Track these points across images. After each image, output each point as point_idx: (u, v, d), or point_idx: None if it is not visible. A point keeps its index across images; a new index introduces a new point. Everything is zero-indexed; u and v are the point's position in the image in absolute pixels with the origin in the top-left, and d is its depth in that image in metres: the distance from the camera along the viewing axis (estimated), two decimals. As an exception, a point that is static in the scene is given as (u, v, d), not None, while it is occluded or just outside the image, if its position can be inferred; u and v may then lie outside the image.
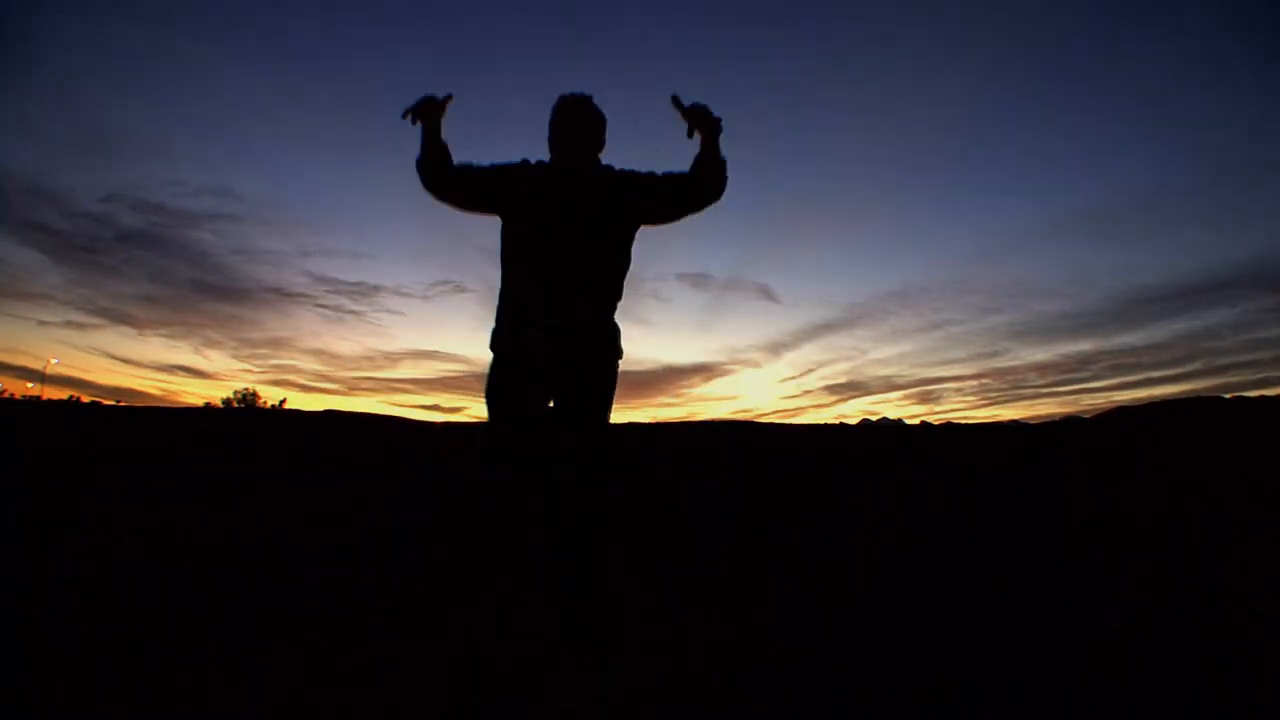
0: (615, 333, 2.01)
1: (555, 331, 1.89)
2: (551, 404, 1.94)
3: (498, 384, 1.95)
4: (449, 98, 1.99)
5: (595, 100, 2.02)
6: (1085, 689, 1.55)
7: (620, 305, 2.03)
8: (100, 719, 1.36)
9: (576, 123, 1.97)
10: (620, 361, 2.02)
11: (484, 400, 1.95)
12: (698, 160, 1.94)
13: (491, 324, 1.97)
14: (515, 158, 2.03)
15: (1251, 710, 1.47)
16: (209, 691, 1.47)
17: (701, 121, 1.92)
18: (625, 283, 2.04)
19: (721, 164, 1.94)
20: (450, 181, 1.99)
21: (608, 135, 2.06)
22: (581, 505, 1.95)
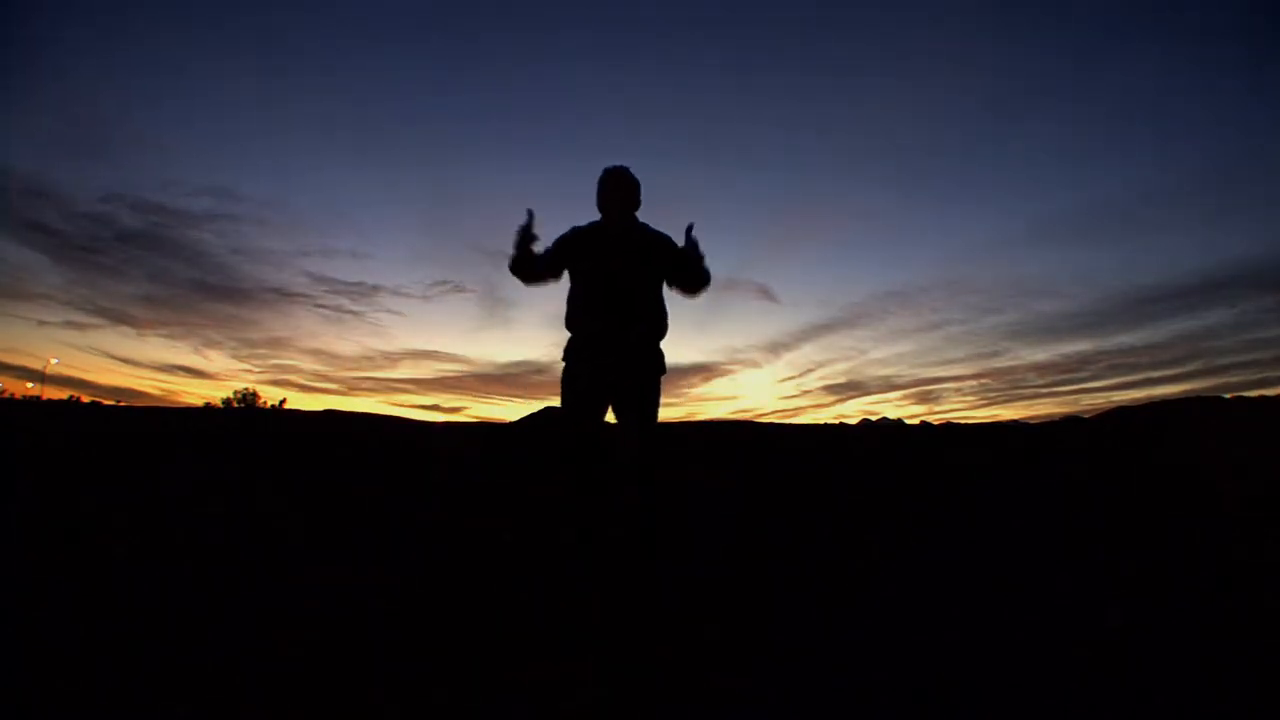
0: (660, 354, 2.57)
1: (611, 353, 2.47)
2: (611, 407, 2.52)
3: (569, 386, 2.52)
4: (531, 222, 2.58)
5: (631, 170, 2.60)
6: (1085, 689, 1.55)
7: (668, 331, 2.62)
8: (100, 719, 1.36)
9: (616, 190, 2.55)
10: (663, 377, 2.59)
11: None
12: (687, 268, 2.59)
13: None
14: (566, 229, 2.63)
15: (1251, 710, 1.47)
16: (209, 691, 1.47)
17: (692, 250, 2.58)
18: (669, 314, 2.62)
19: (704, 277, 2.61)
20: (536, 278, 2.61)
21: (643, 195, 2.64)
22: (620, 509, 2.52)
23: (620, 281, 2.48)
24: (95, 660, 1.61)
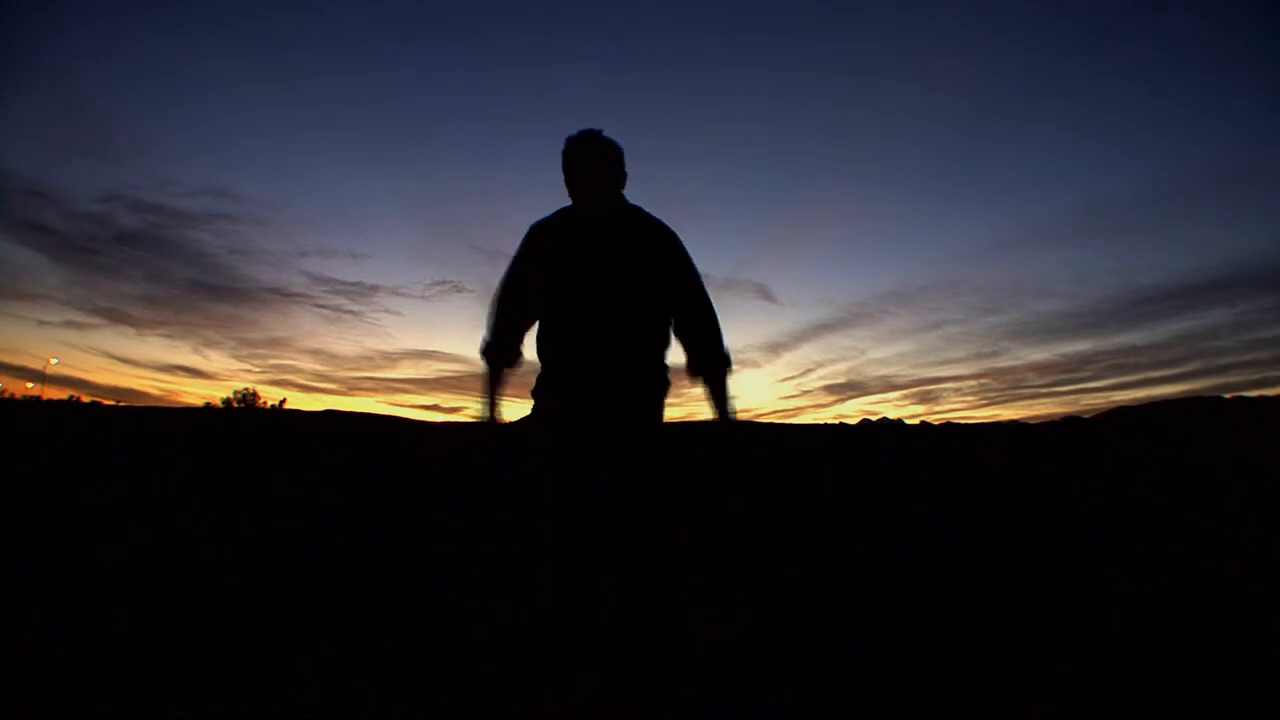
0: (664, 387, 1.85)
1: (594, 398, 1.76)
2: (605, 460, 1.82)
3: (545, 433, 1.82)
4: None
5: (605, 133, 1.79)
6: (1085, 689, 1.55)
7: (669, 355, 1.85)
8: (100, 719, 1.36)
9: (590, 157, 1.77)
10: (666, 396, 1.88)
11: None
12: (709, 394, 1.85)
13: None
14: (524, 230, 1.86)
15: (1251, 710, 1.47)
16: (209, 691, 1.47)
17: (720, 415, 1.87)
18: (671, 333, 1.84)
19: (723, 356, 1.86)
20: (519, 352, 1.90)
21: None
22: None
23: (607, 278, 1.75)
24: (95, 660, 1.61)
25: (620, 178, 1.82)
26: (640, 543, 1.73)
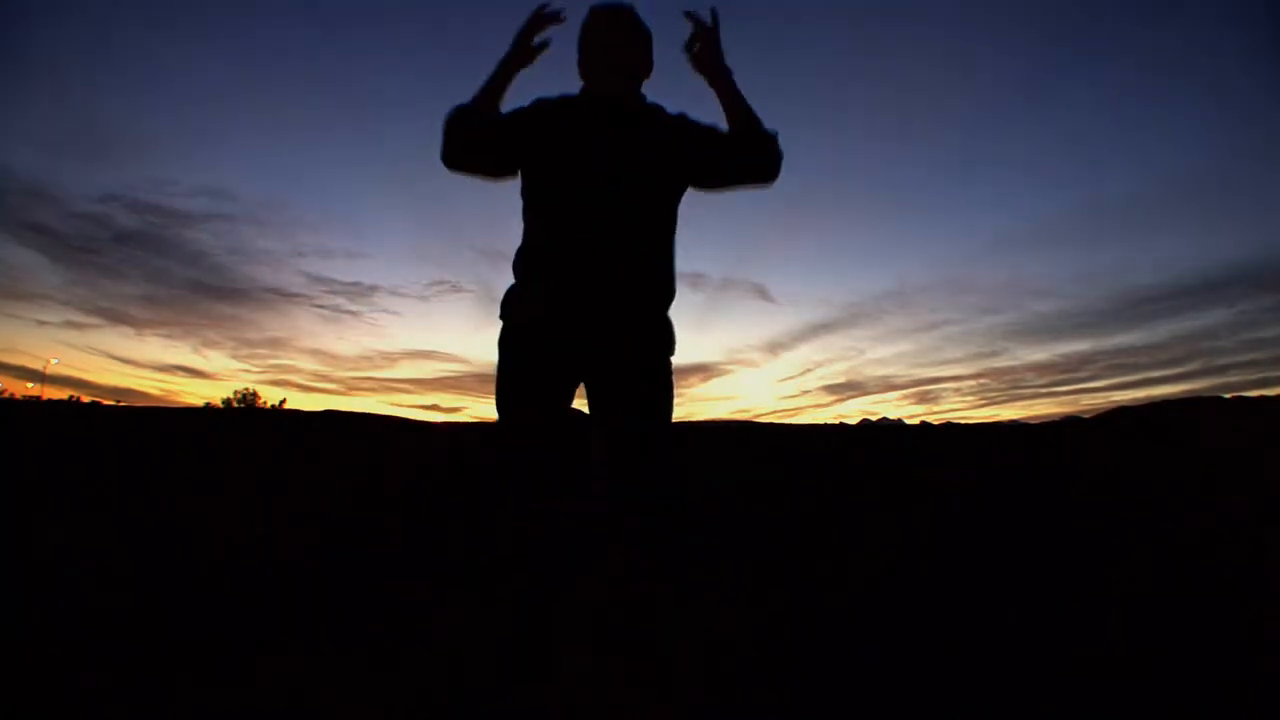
0: (668, 323, 1.55)
1: (589, 300, 1.44)
2: (587, 396, 1.53)
3: (511, 354, 1.48)
4: (550, 16, 1.51)
5: (638, 13, 1.55)
6: (1085, 689, 1.55)
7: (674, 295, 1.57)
8: (100, 719, 1.36)
9: (611, 34, 1.53)
10: (673, 359, 1.55)
11: (492, 399, 1.54)
12: (736, 131, 1.54)
13: (493, 326, 1.54)
14: (526, 100, 1.55)
15: (1252, 711, 1.47)
16: (210, 691, 1.47)
17: (709, 56, 1.58)
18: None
19: (764, 137, 1.53)
20: (477, 147, 1.50)
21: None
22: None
23: (610, 184, 1.46)
24: (96, 660, 1.61)
25: (643, 66, 1.59)
26: (635, 502, 1.49)
